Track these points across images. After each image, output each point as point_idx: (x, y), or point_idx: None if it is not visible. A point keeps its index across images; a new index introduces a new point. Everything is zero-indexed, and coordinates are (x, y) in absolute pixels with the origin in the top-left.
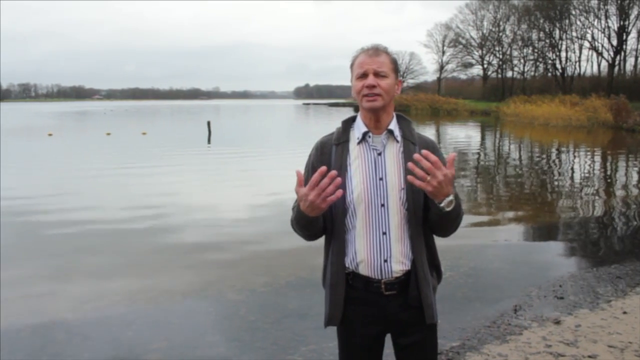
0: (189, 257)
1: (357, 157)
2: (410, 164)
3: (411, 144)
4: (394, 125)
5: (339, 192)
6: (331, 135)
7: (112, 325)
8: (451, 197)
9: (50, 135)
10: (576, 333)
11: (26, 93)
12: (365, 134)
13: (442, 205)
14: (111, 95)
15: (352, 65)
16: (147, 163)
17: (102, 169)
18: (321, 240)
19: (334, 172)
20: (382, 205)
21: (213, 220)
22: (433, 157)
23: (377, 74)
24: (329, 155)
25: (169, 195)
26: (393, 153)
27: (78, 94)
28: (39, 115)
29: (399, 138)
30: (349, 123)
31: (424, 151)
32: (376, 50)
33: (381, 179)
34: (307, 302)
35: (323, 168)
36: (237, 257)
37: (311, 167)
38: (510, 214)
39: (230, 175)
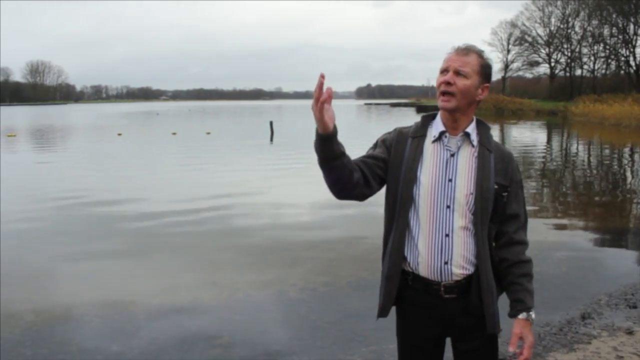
0: (250, 255)
1: (430, 155)
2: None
3: (487, 150)
4: (471, 129)
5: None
6: (409, 128)
7: (177, 320)
8: (530, 315)
9: (119, 135)
10: None
11: (97, 95)
12: (442, 134)
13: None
14: (177, 95)
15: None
16: (211, 163)
17: (168, 169)
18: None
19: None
20: (448, 206)
21: (275, 220)
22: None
23: (457, 72)
24: (404, 145)
25: (232, 195)
26: (466, 156)
27: (145, 94)
28: (109, 115)
29: (475, 142)
30: (428, 119)
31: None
32: (466, 49)
33: (450, 180)
34: (367, 303)
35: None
36: (298, 257)
37: (382, 142)
38: (579, 217)
39: (293, 176)
